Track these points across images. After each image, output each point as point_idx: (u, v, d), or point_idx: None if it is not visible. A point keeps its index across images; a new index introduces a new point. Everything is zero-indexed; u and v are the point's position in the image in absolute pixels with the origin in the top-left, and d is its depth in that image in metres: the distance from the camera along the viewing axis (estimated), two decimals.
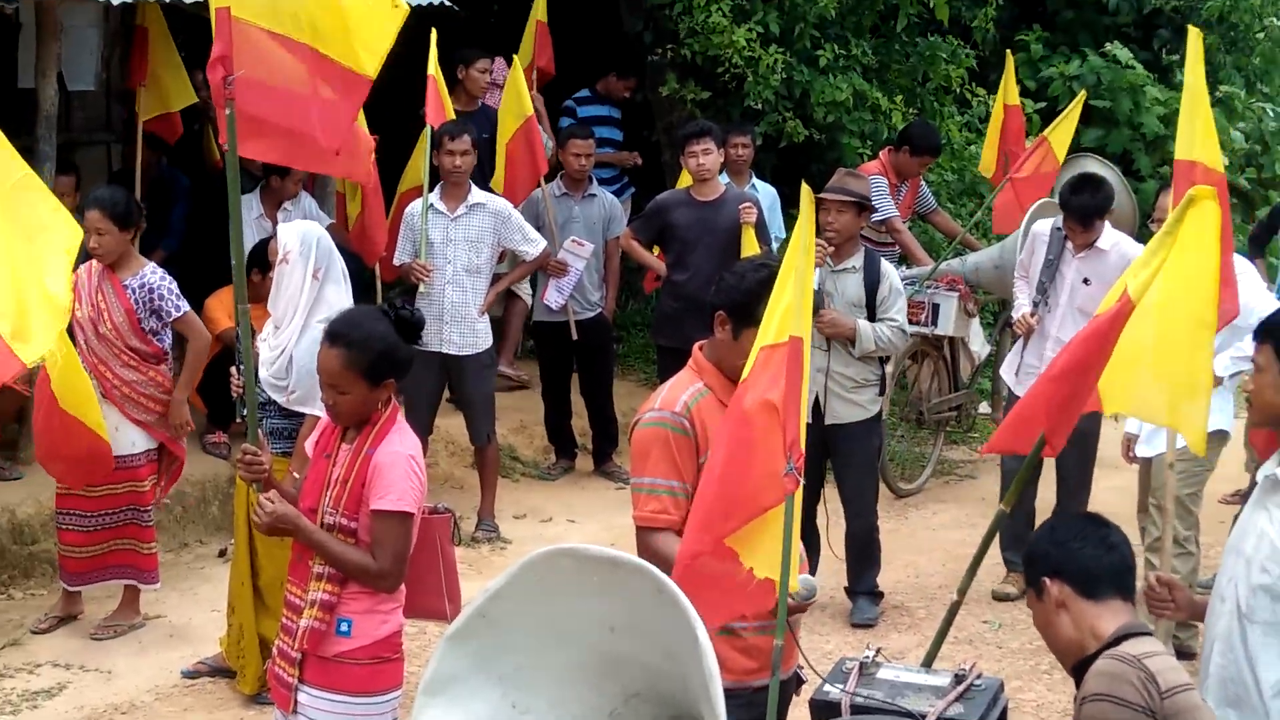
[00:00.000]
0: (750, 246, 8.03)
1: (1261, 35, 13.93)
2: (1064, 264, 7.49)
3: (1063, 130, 9.25)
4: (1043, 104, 12.36)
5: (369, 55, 5.52)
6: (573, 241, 8.91)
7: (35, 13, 8.43)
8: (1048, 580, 3.34)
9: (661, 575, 3.05)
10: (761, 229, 8.48)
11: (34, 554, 7.73)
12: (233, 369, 7.04)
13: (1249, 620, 3.76)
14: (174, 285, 7.15)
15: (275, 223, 7.67)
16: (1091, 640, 3.28)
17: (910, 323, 8.01)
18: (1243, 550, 3.83)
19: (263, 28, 5.23)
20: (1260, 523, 3.79)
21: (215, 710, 6.49)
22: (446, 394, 8.45)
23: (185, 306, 7.17)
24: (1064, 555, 3.38)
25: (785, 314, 3.57)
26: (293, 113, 5.40)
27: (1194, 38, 5.08)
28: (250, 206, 8.07)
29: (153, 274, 7.03)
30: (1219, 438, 6.93)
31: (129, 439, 6.94)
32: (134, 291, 6.93)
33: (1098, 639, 3.27)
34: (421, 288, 8.08)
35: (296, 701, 4.43)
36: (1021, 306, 7.76)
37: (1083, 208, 7.40)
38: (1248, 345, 5.20)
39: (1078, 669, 3.30)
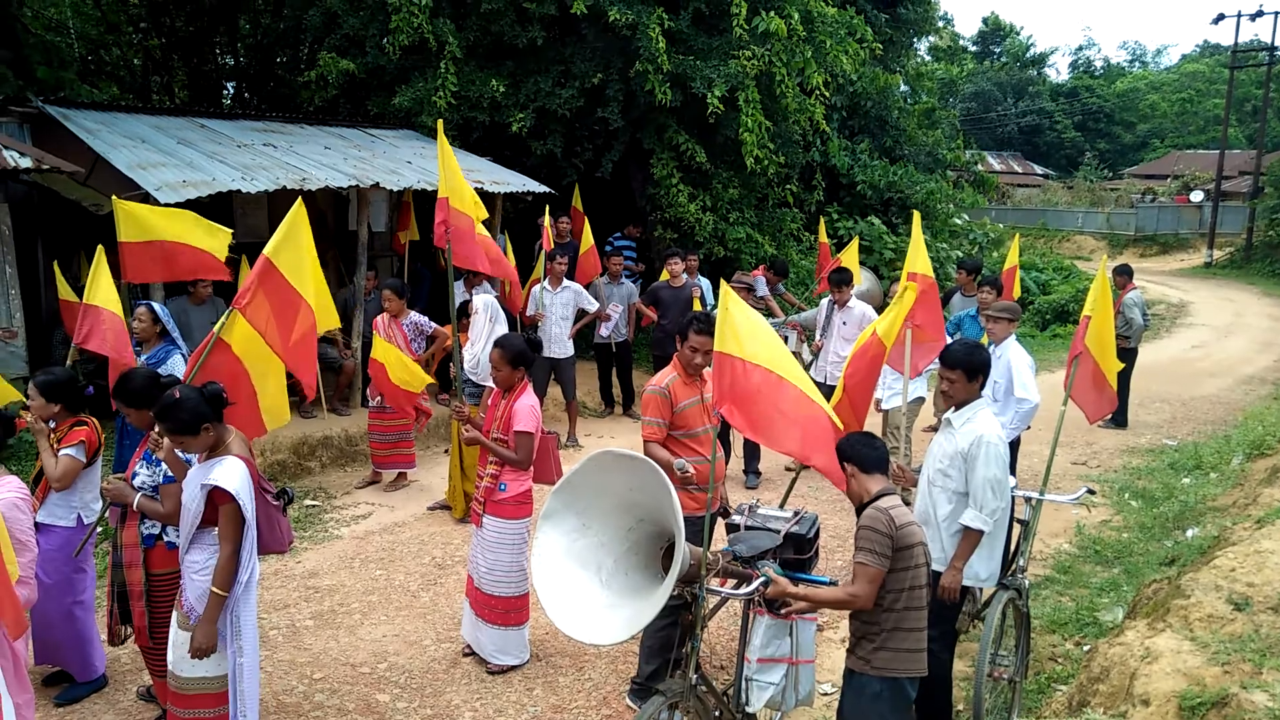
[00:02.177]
0: (696, 308, 8.91)
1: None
2: (833, 315, 8.34)
3: (846, 256, 10.20)
4: (835, 241, 13.65)
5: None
6: (612, 306, 10.04)
7: (357, 194, 9.57)
8: (847, 464, 3.68)
9: (651, 462, 3.44)
10: (703, 300, 9.61)
11: (357, 450, 8.77)
12: (451, 364, 8.53)
13: (932, 485, 4.33)
14: (426, 319, 8.11)
15: (471, 294, 8.16)
16: (866, 495, 3.60)
17: None
18: (932, 452, 4.39)
19: (456, 208, 5.89)
20: (940, 439, 4.36)
21: (444, 525, 7.29)
22: (552, 377, 9.49)
23: (434, 326, 8.14)
24: (854, 452, 3.66)
25: (731, 338, 3.89)
26: (473, 246, 6.11)
27: (916, 218, 5.96)
28: (459, 287, 8.67)
29: (416, 316, 8.05)
30: (918, 401, 7.89)
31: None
32: (407, 326, 7.94)
33: (869, 494, 3.60)
34: (540, 325, 9.24)
35: (483, 523, 5.06)
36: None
37: (839, 281, 8.31)
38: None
39: (859, 510, 3.62)
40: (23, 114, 9.27)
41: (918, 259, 5.68)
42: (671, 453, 4.62)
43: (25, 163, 7.68)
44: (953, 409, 4.35)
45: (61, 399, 4.54)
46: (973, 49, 64.23)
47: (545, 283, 9.29)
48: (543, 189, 10.78)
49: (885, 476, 3.64)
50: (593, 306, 9.57)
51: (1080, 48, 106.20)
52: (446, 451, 8.30)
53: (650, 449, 4.56)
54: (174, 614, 3.91)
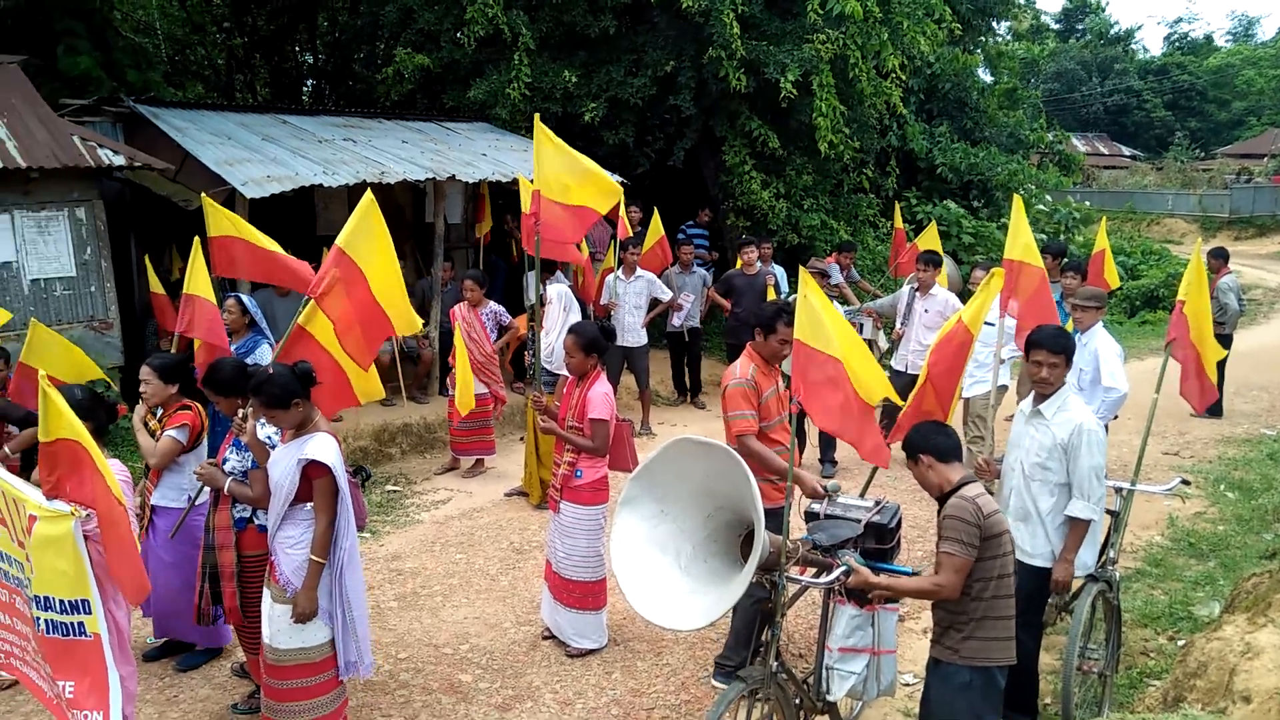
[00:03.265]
0: (771, 297, 8.97)
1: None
2: (915, 303, 8.17)
3: (923, 240, 10.20)
4: (913, 226, 13.47)
5: (604, 202, 6.38)
6: (684, 295, 10.04)
7: (433, 187, 9.69)
8: (921, 455, 3.62)
9: (730, 449, 3.47)
10: (777, 288, 9.57)
11: (436, 437, 8.93)
12: (526, 352, 8.67)
13: (1030, 479, 4.21)
14: (503, 309, 8.31)
15: (545, 284, 8.04)
16: (946, 484, 3.55)
17: None
18: (1021, 445, 4.29)
19: (549, 197, 6.06)
20: (1030, 432, 4.25)
21: (521, 511, 7.42)
22: (625, 365, 9.52)
23: (510, 318, 8.33)
24: (930, 442, 3.61)
25: (808, 326, 3.96)
26: (557, 236, 6.25)
27: (1017, 201, 5.54)
28: (534, 277, 8.70)
29: (494, 306, 8.23)
30: (1002, 390, 7.66)
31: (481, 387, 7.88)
32: (485, 315, 8.11)
33: (950, 484, 3.54)
34: (614, 314, 9.28)
35: (560, 509, 5.15)
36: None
37: (929, 261, 8.16)
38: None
39: (940, 500, 3.58)
40: (116, 113, 9.64)
41: (1016, 244, 5.45)
42: None
43: (119, 160, 8.02)
44: (1036, 399, 4.26)
45: (178, 380, 4.74)
46: (1055, 27, 62.37)
47: (619, 272, 9.34)
48: (615, 178, 10.64)
49: (963, 464, 3.60)
50: (666, 295, 9.59)
51: (1179, 20, 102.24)
52: (522, 439, 8.40)
53: (747, 443, 4.52)
54: (267, 590, 4.06)
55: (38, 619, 3.31)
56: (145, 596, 3.38)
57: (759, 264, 9.65)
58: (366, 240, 4.74)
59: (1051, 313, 5.40)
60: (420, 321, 5.03)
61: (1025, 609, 3.98)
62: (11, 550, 3.40)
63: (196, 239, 5.55)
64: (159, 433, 4.69)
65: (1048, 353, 4.16)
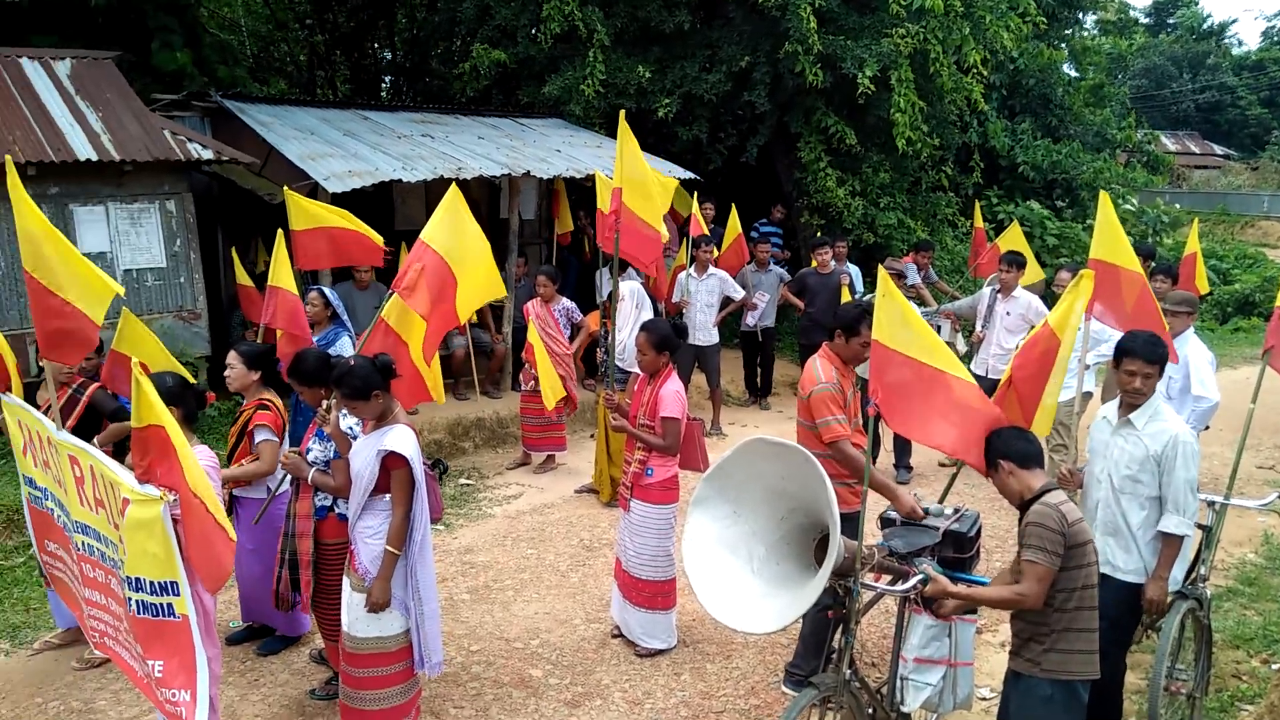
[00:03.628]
0: (846, 298, 8.73)
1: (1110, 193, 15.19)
2: (996, 305, 8.00)
3: (1005, 240, 9.94)
4: (993, 226, 13.19)
5: (662, 205, 6.49)
6: (759, 294, 9.97)
7: (508, 183, 9.82)
8: (1002, 461, 3.54)
9: (806, 451, 3.39)
10: (852, 288, 9.44)
11: (508, 432, 9.01)
12: (598, 349, 8.71)
13: (1120, 492, 4.05)
14: (575, 306, 8.30)
15: (617, 281, 7.72)
16: (1028, 491, 3.48)
17: None
18: (1109, 455, 4.10)
19: (627, 206, 6.22)
20: (1119, 443, 4.08)
21: (591, 508, 7.45)
22: (696, 364, 9.46)
23: (581, 315, 8.34)
24: (1010, 447, 3.54)
25: (886, 327, 3.69)
26: (641, 240, 6.41)
27: (1104, 197, 5.13)
28: (606, 274, 8.62)
29: (567, 303, 8.22)
30: (1086, 397, 7.39)
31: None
32: (559, 311, 8.13)
33: (1031, 491, 3.47)
34: (685, 312, 9.27)
35: (631, 507, 5.15)
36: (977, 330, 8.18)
37: (1013, 262, 7.93)
38: (1106, 350, 6.05)
39: (1021, 508, 3.50)
40: (203, 108, 9.95)
41: (1102, 243, 5.11)
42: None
43: (207, 154, 8.28)
44: (1125, 408, 4.10)
45: (261, 368, 4.88)
46: (1145, 21, 60.32)
47: (691, 269, 9.31)
48: (688, 175, 10.76)
49: (1044, 471, 3.51)
50: (739, 294, 9.54)
51: (1278, 14, 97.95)
52: (593, 436, 8.46)
53: (843, 448, 4.42)
54: (346, 579, 4.14)
55: (130, 599, 3.41)
56: (222, 585, 3.46)
57: (833, 263, 9.56)
58: (449, 234, 4.79)
59: (1155, 320, 5.03)
60: (503, 289, 5.04)
61: (1115, 625, 3.89)
62: (109, 532, 3.53)
63: (280, 232, 5.69)
64: (249, 430, 4.82)
65: (1142, 362, 4.00)
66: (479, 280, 4.90)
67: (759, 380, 10.66)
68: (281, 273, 5.63)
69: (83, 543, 3.78)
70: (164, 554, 3.33)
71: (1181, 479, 3.93)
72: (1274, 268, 18.61)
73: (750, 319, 10.08)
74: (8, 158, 3.84)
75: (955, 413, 3.75)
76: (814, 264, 9.62)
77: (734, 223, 10.07)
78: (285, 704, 4.68)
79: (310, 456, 4.41)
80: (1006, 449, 3.52)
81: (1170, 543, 3.99)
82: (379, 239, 6.24)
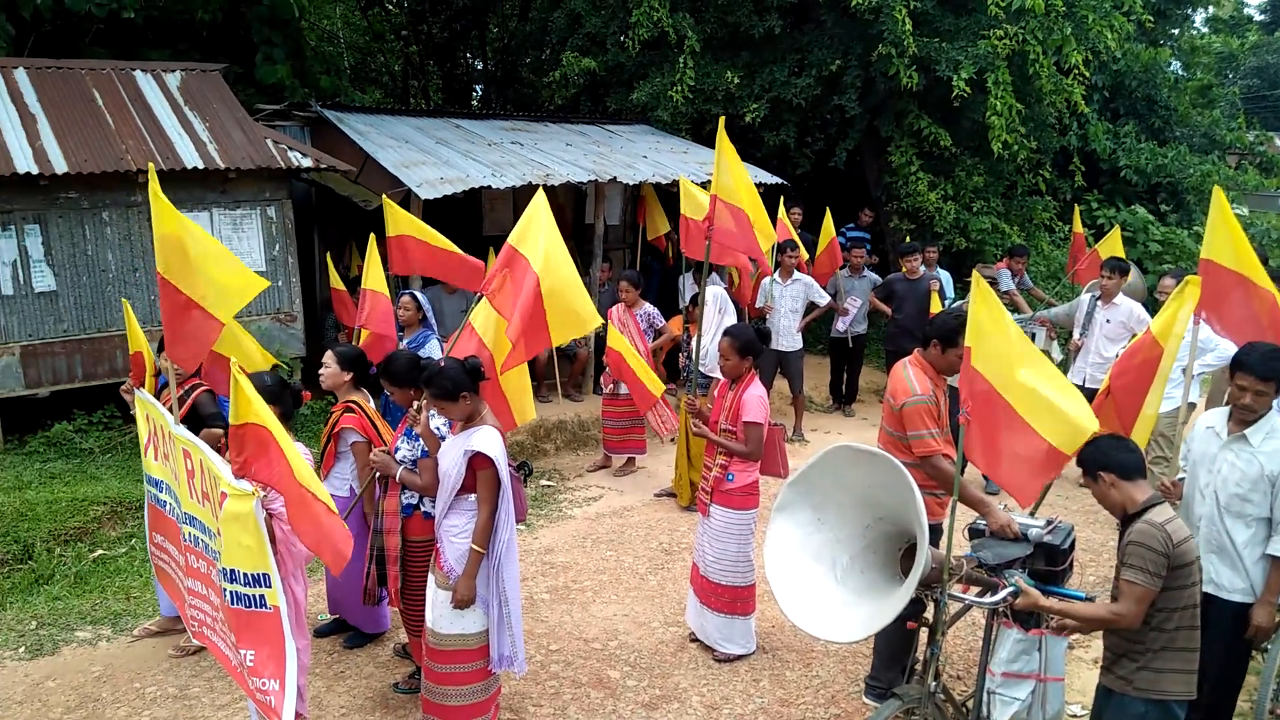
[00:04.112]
0: (936, 305, 8.64)
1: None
2: (1096, 312, 7.79)
3: (1105, 246, 9.60)
4: (1093, 231, 12.72)
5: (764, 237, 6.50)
6: (851, 299, 9.84)
7: (594, 189, 9.92)
8: (1102, 473, 3.39)
9: (895, 460, 3.35)
10: (942, 293, 9.24)
11: (589, 435, 9.06)
12: (681, 355, 8.69)
13: (1226, 510, 3.92)
14: (658, 312, 8.33)
15: (702, 286, 7.75)
16: (1131, 504, 3.34)
17: None
18: (1217, 470, 3.95)
19: (724, 204, 6.10)
20: (1229, 457, 3.92)
21: (670, 512, 7.47)
22: (779, 370, 9.37)
23: (663, 321, 8.37)
24: (1111, 458, 3.38)
25: (976, 340, 3.60)
26: (730, 243, 6.44)
27: (1218, 194, 4.92)
28: (689, 279, 8.83)
29: (649, 308, 8.26)
30: (1191, 408, 7.10)
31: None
32: (640, 316, 8.19)
33: (1135, 504, 3.34)
34: (769, 317, 9.17)
35: (710, 512, 5.14)
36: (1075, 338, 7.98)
37: (1116, 268, 7.69)
38: (1212, 359, 6.16)
39: (1124, 520, 3.38)
40: (303, 118, 10.30)
41: (1214, 245, 4.86)
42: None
43: (307, 162, 8.56)
44: (1239, 423, 3.91)
45: (354, 369, 5.00)
46: (1260, 18, 57.53)
47: (776, 275, 9.23)
48: (775, 180, 10.71)
49: (1147, 482, 3.38)
50: (823, 299, 9.42)
51: None
52: (674, 440, 8.34)
53: (937, 463, 4.25)
54: (431, 575, 4.21)
55: (225, 590, 3.54)
56: (343, 564, 3.52)
57: (922, 269, 9.37)
58: (538, 239, 4.77)
59: (1252, 326, 4.78)
60: (599, 319, 4.91)
61: (1228, 648, 3.78)
62: (212, 524, 3.66)
63: (373, 237, 5.81)
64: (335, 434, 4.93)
65: (1255, 378, 3.81)
66: (572, 304, 4.74)
67: (844, 386, 10.50)
68: (374, 276, 5.75)
69: (190, 534, 3.95)
70: (256, 547, 3.44)
71: None
72: None
73: (841, 324, 9.94)
74: (150, 166, 4.08)
75: (1020, 461, 3.61)
76: (903, 270, 9.44)
77: (828, 227, 9.96)
78: (369, 696, 4.78)
79: (399, 455, 4.49)
80: (1107, 460, 3.37)
81: (1279, 566, 3.81)
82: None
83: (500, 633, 4.12)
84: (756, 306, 9.28)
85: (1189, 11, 17.34)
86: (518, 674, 4.29)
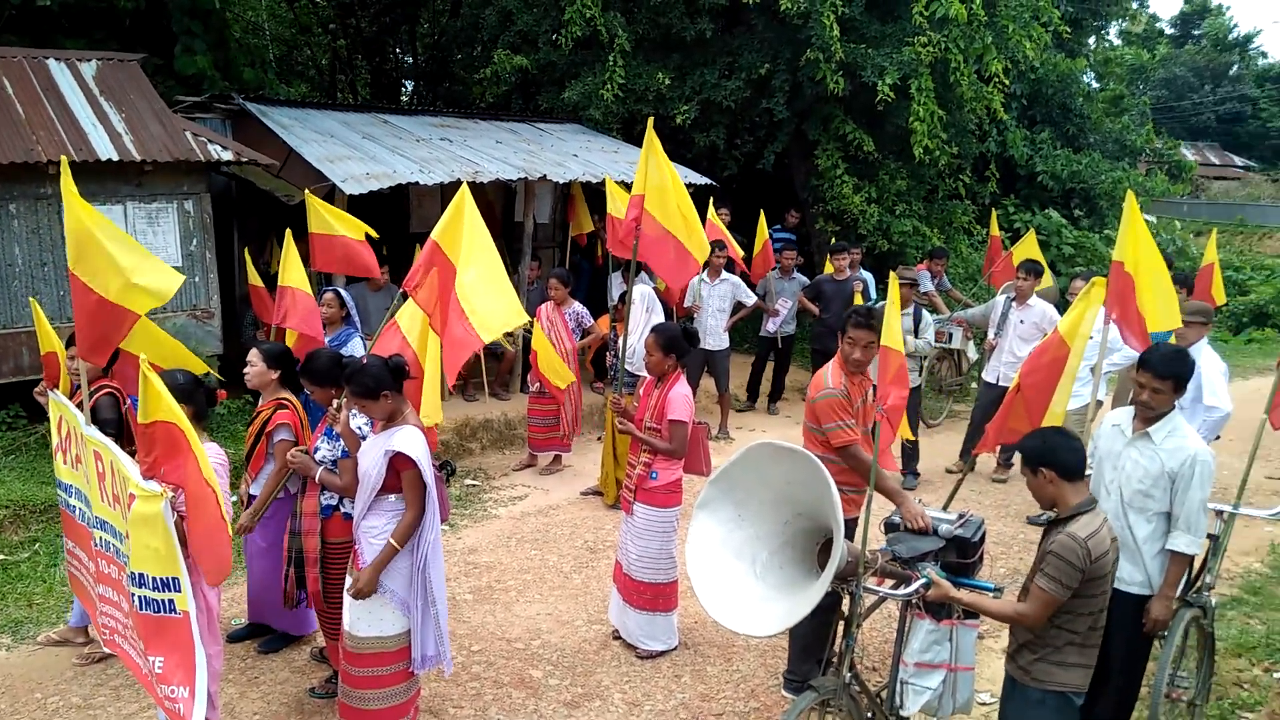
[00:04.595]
0: (859, 302, 8.71)
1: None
2: (1011, 313, 8.01)
3: (1021, 249, 9.84)
4: (1010, 234, 13.12)
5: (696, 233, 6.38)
6: (782, 300, 9.92)
7: (524, 186, 9.83)
8: (1045, 469, 3.38)
9: (812, 456, 3.39)
10: (865, 294, 9.39)
11: (515, 434, 8.95)
12: (608, 353, 8.69)
13: (1129, 506, 3.97)
14: (587, 311, 8.30)
15: (630, 285, 8.01)
16: (1063, 506, 3.38)
17: (936, 341, 8.82)
18: (1121, 467, 4.00)
19: (649, 211, 6.13)
20: (1132, 454, 3.98)
21: (596, 510, 7.42)
22: (706, 369, 9.44)
23: (592, 321, 8.34)
24: (1057, 458, 3.35)
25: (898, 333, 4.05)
26: (661, 248, 6.27)
27: (1130, 199, 5.03)
28: (617, 279, 9.10)
29: (578, 306, 8.20)
30: (1098, 404, 7.41)
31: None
32: (569, 315, 8.10)
33: (1066, 507, 3.37)
34: (696, 317, 9.21)
35: (633, 510, 5.15)
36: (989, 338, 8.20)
37: (1030, 270, 7.95)
38: (1119, 359, 6.37)
39: (1052, 521, 3.41)
40: (225, 110, 10.02)
41: (1125, 245, 4.97)
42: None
43: (227, 155, 8.34)
44: (1142, 422, 4.00)
45: (281, 367, 4.88)
46: (1170, 32, 59.77)
47: (704, 274, 9.21)
48: (704, 181, 10.76)
49: (1085, 484, 3.41)
50: (750, 299, 9.49)
51: None
52: (600, 438, 8.36)
53: (854, 452, 4.39)
54: (349, 577, 4.13)
55: (133, 595, 3.44)
56: (224, 579, 3.47)
57: (849, 269, 9.50)
58: (459, 234, 4.68)
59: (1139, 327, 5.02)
60: (525, 315, 4.80)
61: (1130, 640, 3.88)
62: (122, 528, 3.54)
63: (289, 232, 5.68)
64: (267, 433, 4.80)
65: (1153, 376, 3.89)
66: (496, 300, 4.60)
67: (773, 385, 10.59)
68: (293, 273, 5.62)
69: (101, 538, 3.82)
70: (166, 550, 3.36)
71: (1196, 499, 3.83)
72: None
73: (772, 325, 10.01)
74: (63, 158, 3.92)
75: None
76: (828, 269, 9.52)
77: (762, 229, 10.03)
78: (285, 701, 4.68)
79: (318, 455, 4.39)
80: (1052, 459, 3.36)
81: (1178, 561, 3.92)
82: (362, 229, 6.15)
83: (425, 633, 4.06)
84: (685, 306, 9.29)
85: (1103, 24, 17.93)
86: (446, 673, 4.22)
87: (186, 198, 8.30)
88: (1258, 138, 55.22)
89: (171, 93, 10.17)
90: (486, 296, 4.54)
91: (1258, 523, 7.10)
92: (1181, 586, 4.09)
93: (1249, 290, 18.44)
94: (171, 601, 3.38)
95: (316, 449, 4.43)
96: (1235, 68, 56.25)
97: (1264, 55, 61.30)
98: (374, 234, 6.10)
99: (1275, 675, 4.96)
